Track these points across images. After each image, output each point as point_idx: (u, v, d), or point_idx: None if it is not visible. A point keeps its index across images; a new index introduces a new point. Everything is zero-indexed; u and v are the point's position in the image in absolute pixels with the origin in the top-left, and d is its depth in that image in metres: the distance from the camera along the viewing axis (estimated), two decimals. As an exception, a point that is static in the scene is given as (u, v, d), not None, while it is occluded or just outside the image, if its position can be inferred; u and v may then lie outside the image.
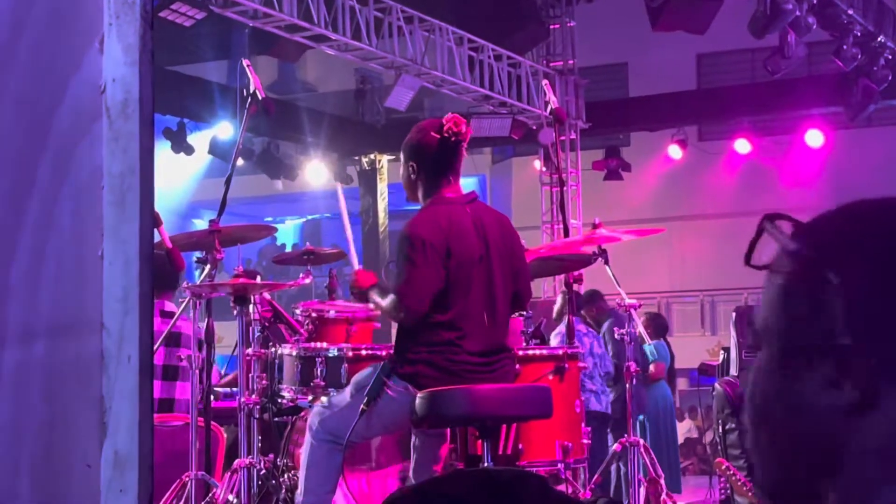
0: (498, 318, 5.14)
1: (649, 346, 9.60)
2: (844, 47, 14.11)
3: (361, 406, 4.93)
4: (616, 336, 7.43)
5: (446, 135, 5.11)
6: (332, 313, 5.90)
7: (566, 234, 6.79)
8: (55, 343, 2.11)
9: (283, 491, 5.72)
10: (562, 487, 5.79)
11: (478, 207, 5.23)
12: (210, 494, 5.72)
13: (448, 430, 5.30)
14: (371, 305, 5.40)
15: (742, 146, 18.37)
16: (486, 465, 4.94)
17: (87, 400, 2.06)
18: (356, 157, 18.68)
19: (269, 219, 23.23)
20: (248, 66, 6.11)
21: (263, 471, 5.74)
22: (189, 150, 16.27)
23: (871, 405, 1.07)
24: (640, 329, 6.54)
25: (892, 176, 18.50)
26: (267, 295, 6.08)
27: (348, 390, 5.12)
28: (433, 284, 4.91)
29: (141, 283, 2.16)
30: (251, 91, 5.96)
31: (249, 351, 5.83)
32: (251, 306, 5.82)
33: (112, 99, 2.09)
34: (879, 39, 14.66)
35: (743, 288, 20.21)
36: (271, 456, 5.92)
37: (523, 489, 4.11)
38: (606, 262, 6.37)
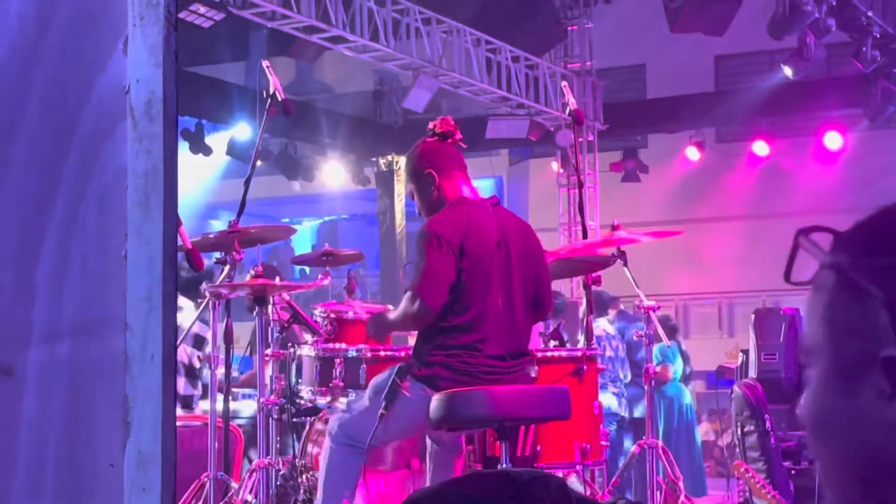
0: (517, 321, 5.13)
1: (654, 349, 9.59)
2: (864, 49, 14.07)
3: (380, 411, 4.93)
4: (635, 338, 7.43)
5: (442, 132, 5.19)
6: (350, 314, 5.91)
7: (584, 235, 6.78)
8: (79, 342, 2.13)
9: (302, 491, 5.73)
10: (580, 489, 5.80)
11: (500, 211, 5.24)
12: (228, 494, 5.73)
13: (463, 442, 5.31)
14: (392, 327, 5.42)
15: (760, 148, 18.31)
16: (504, 466, 4.94)
17: (110, 399, 2.07)
18: (373, 159, 18.68)
19: (286, 220, 23.23)
20: (267, 67, 6.12)
21: (283, 471, 5.75)
22: (207, 150, 16.28)
23: None
24: (660, 330, 6.51)
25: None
26: (286, 296, 6.09)
27: (366, 394, 5.11)
28: (448, 278, 4.91)
29: (164, 282, 2.17)
30: (271, 92, 5.97)
31: (268, 352, 5.85)
32: (270, 307, 5.84)
33: (136, 99, 2.10)
34: (899, 41, 14.63)
35: (762, 290, 20.18)
36: (290, 456, 5.93)
37: (543, 490, 4.11)
38: (625, 264, 6.36)
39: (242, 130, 16.00)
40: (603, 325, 9.30)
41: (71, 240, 2.14)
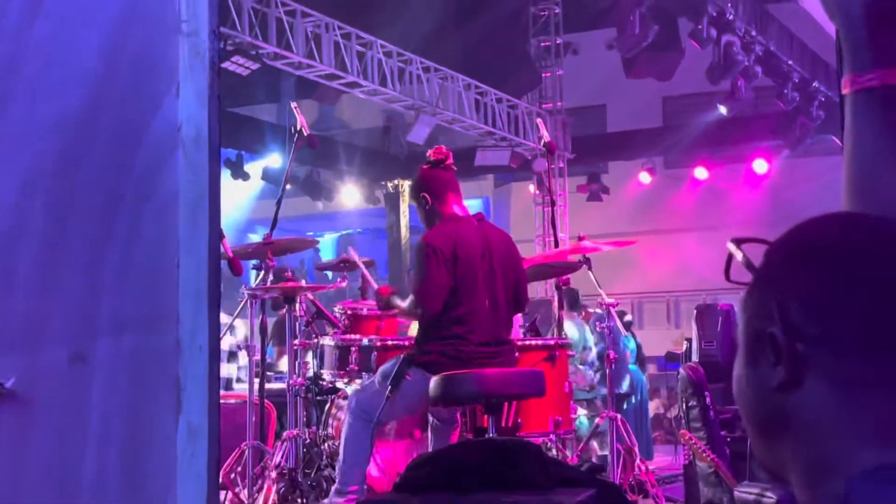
0: (500, 315, 5.14)
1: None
2: (785, 91, 14.11)
3: (387, 392, 4.94)
4: (598, 329, 7.42)
5: (435, 161, 5.19)
6: (364, 311, 5.91)
7: (556, 245, 6.78)
8: (140, 334, 2.12)
9: (324, 457, 5.72)
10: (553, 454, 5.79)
11: (485, 225, 5.24)
12: (263, 459, 5.73)
13: (458, 418, 5.30)
14: (395, 310, 5.41)
15: (700, 173, 18.36)
16: (491, 435, 4.94)
17: (165, 381, 2.07)
18: (383, 182, 18.69)
19: (311, 233, 23.20)
20: (295, 108, 6.13)
21: (308, 440, 5.74)
22: (245, 176, 16.31)
23: (797, 383, 1.09)
24: (618, 323, 6.51)
25: (823, 197, 18.39)
26: (310, 296, 6.08)
27: (376, 379, 5.11)
28: (444, 285, 4.93)
29: (210, 285, 2.16)
30: (298, 128, 5.97)
31: (296, 342, 5.84)
32: (297, 305, 5.83)
33: (186, 134, 2.10)
34: (814, 85, 14.66)
35: (702, 290, 20.15)
36: (314, 428, 5.92)
37: (523, 455, 4.10)
38: (590, 269, 6.36)
39: (274, 160, 16.03)
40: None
41: (132, 250, 2.13)
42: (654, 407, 14.18)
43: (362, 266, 6.29)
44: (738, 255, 1.25)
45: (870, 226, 1.14)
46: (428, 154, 5.28)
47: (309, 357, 5.97)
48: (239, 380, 7.91)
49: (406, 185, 18.76)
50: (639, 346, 10.83)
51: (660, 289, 20.60)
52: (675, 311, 21.27)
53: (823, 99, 14.95)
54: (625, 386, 9.66)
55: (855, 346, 1.07)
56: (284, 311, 6.77)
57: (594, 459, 6.92)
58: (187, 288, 2.11)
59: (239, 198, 18.02)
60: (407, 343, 5.42)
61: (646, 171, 18.42)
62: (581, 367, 8.96)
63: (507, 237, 5.38)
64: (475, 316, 4.99)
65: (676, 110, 19.72)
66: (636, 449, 6.08)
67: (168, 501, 2.10)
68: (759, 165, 17.48)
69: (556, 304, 9.11)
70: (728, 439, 6.19)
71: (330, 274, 10.38)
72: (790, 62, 13.94)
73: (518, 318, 6.30)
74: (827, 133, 15.90)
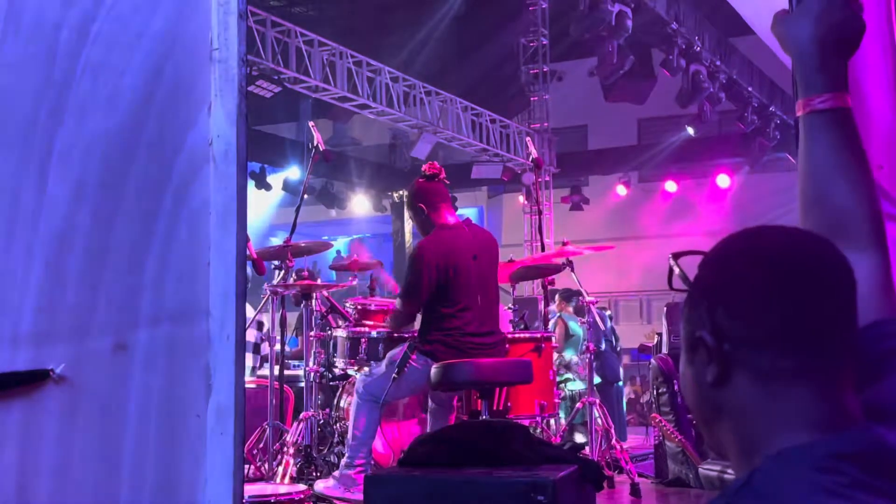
0: (492, 308, 5.17)
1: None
2: (746, 114, 14.11)
3: (393, 375, 4.95)
4: (579, 324, 7.42)
5: (430, 174, 5.22)
6: (373, 306, 5.90)
7: (543, 249, 6.77)
8: (175, 326, 2.12)
9: (336, 435, 5.72)
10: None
11: (474, 229, 5.26)
12: (282, 437, 5.72)
13: (455, 401, 5.30)
14: (395, 327, 5.46)
15: (670, 186, 18.36)
16: (484, 417, 4.95)
17: (197, 367, 2.07)
18: (389, 193, 18.71)
19: (326, 237, 23.21)
20: (312, 126, 6.13)
21: (322, 420, 5.73)
22: (268, 187, 16.32)
23: (726, 379, 1.13)
24: (597, 318, 6.50)
25: (779, 208, 18.44)
26: (325, 292, 6.08)
27: (384, 363, 5.12)
28: (426, 291, 4.97)
29: (237, 283, 2.16)
30: (315, 144, 5.97)
31: (312, 333, 5.83)
32: (313, 301, 5.83)
33: (217, 149, 2.10)
34: (771, 109, 14.67)
35: (670, 290, 20.14)
36: (327, 410, 5.91)
37: (513, 434, 4.09)
38: (573, 270, 6.36)
39: (293, 172, 16.04)
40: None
41: (169, 250, 2.14)
42: (627, 393, 14.16)
43: (382, 272, 6.27)
44: (676, 269, 1.30)
45: (780, 238, 1.16)
46: (423, 168, 5.29)
47: (323, 346, 5.96)
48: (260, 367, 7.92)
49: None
50: (616, 340, 10.83)
51: (633, 289, 20.59)
52: (647, 308, 21.26)
53: (779, 121, 14.97)
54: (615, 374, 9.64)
55: (773, 344, 1.10)
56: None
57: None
58: (216, 285, 2.11)
59: (262, 206, 18.02)
60: (409, 335, 5.42)
61: (622, 184, 18.45)
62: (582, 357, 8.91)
63: (492, 238, 5.41)
64: (470, 311, 5.01)
65: (649, 130, 19.74)
66: (612, 430, 6.08)
67: (199, 472, 2.10)
68: (723, 180, 17.49)
69: (541, 302, 9.13)
70: (694, 422, 6.19)
71: (334, 274, 10.40)
72: (750, 89, 13.96)
73: (508, 314, 6.30)
74: (783, 151, 15.93)
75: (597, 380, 9.07)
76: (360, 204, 18.51)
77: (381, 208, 19.01)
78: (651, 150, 17.90)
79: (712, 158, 17.33)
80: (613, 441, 6.02)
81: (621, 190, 18.53)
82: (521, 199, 17.13)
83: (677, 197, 18.83)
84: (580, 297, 6.53)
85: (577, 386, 8.48)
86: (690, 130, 15.32)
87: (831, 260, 1.14)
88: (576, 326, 8.79)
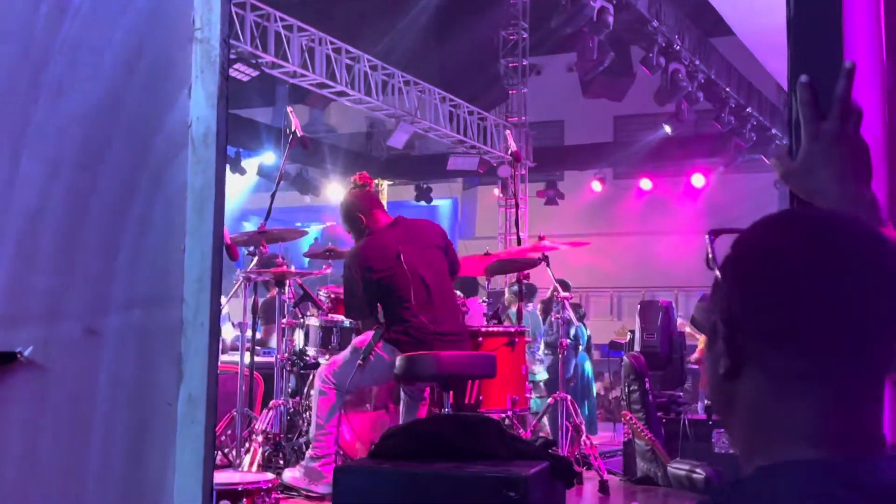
0: (443, 292, 5.18)
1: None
2: (722, 115, 14.16)
3: (358, 362, 4.96)
4: (553, 319, 7.41)
5: (363, 184, 5.44)
6: (346, 296, 5.85)
7: (519, 243, 6.75)
8: (147, 311, 2.08)
9: (305, 424, 5.68)
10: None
11: (404, 225, 5.29)
12: (251, 424, 5.67)
13: (427, 393, 5.29)
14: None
15: (645, 184, 18.42)
16: (447, 410, 4.95)
17: (169, 354, 2.03)
18: (364, 182, 18.61)
19: (299, 223, 23.09)
20: (291, 112, 6.07)
21: (292, 409, 5.69)
22: (242, 171, 16.24)
23: (736, 373, 1.06)
24: (571, 315, 6.50)
25: (753, 210, 18.54)
26: (298, 280, 6.03)
27: (348, 350, 5.14)
28: (361, 297, 5.07)
29: (213, 269, 2.13)
30: (292, 130, 5.91)
31: (284, 321, 5.78)
32: (286, 288, 5.78)
33: (196, 132, 2.06)
34: (748, 110, 14.72)
35: (642, 287, 20.23)
36: (298, 398, 5.87)
37: (485, 429, 4.05)
38: (548, 265, 6.34)
39: (269, 157, 15.97)
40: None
41: (144, 235, 2.09)
42: (597, 388, 14.20)
43: None
44: (709, 249, 1.20)
45: (810, 227, 1.07)
46: (354, 179, 5.42)
47: (295, 335, 5.92)
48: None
49: (385, 183, 18.72)
50: (588, 338, 10.86)
51: (605, 284, 20.66)
52: (618, 304, 21.34)
53: (756, 122, 15.03)
54: (570, 370, 9.66)
55: (788, 341, 1.01)
56: (273, 292, 6.72)
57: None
58: (192, 271, 2.08)
59: (236, 190, 17.91)
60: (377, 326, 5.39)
61: (597, 180, 18.48)
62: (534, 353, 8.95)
63: (430, 226, 5.42)
64: (416, 302, 5.06)
65: (626, 128, 19.78)
66: (583, 426, 6.07)
67: (168, 462, 2.07)
68: (697, 179, 17.56)
69: (506, 296, 9.14)
70: (663, 420, 6.20)
71: (306, 261, 10.36)
72: (728, 89, 14.00)
73: (483, 307, 6.28)
74: (758, 153, 16.00)
75: (545, 375, 9.09)
76: (335, 191, 18.41)
77: (356, 196, 18.93)
78: (627, 148, 17.95)
79: (687, 157, 17.40)
80: (584, 437, 6.01)
81: (596, 186, 18.57)
82: (497, 191, 17.12)
83: (651, 195, 18.89)
84: (556, 293, 6.51)
85: (540, 377, 8.53)
86: (668, 129, 15.35)
87: (872, 258, 1.02)
88: (528, 319, 8.83)
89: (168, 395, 2.00)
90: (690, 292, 20.01)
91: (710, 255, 1.19)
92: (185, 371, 2.02)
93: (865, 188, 1.44)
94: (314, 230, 25.18)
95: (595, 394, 11.23)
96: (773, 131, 15.77)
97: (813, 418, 1.00)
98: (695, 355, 11.31)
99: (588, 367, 10.67)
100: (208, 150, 2.08)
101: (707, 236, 1.22)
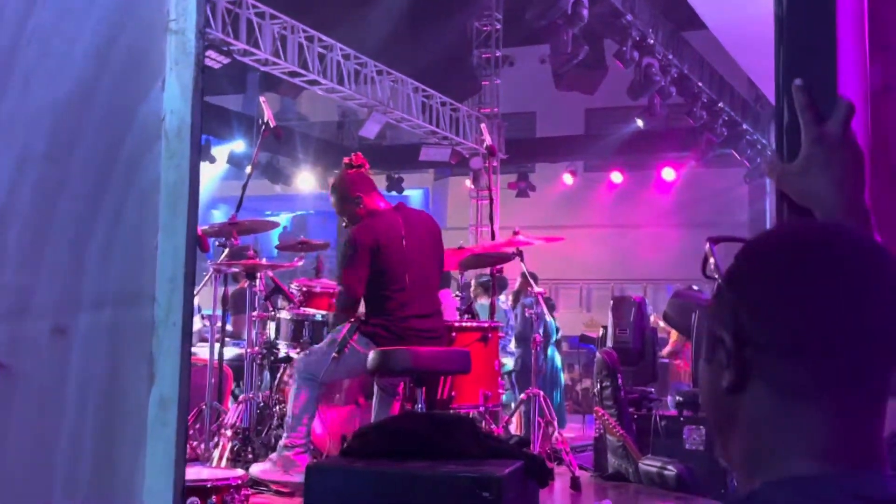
0: (431, 287, 5.14)
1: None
2: (694, 109, 14.19)
3: (333, 354, 4.92)
4: (527, 314, 7.38)
5: (358, 164, 5.28)
6: (318, 288, 5.80)
7: (493, 238, 6.70)
8: (118, 310, 2.02)
9: (275, 418, 5.62)
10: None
11: (405, 212, 5.23)
12: (220, 418, 5.61)
13: (400, 388, 5.25)
14: (340, 317, 5.41)
15: (616, 177, 18.45)
16: (420, 406, 4.92)
17: (140, 355, 1.98)
18: (335, 171, 18.51)
19: (269, 212, 23.01)
20: (264, 102, 6.00)
21: (261, 403, 5.63)
22: (212, 159, 16.12)
23: (743, 386, 1.04)
24: (545, 309, 6.48)
25: (723, 204, 18.64)
26: (270, 272, 5.96)
27: (324, 343, 5.09)
28: (363, 274, 4.99)
29: (186, 266, 2.07)
30: (265, 121, 5.84)
31: (255, 314, 5.72)
32: (257, 280, 5.71)
33: (170, 126, 2.00)
34: (720, 105, 14.76)
35: (611, 279, 20.29)
36: (268, 392, 5.81)
37: (459, 427, 4.01)
38: (522, 260, 6.31)
39: (239, 145, 15.86)
40: (500, 300, 9.26)
41: (115, 231, 2.03)
42: (564, 379, 14.22)
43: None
44: (711, 260, 1.22)
45: (819, 241, 1.05)
46: (350, 160, 5.28)
47: (266, 327, 5.85)
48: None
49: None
50: (557, 330, 10.85)
51: (575, 276, 20.67)
52: (588, 296, 21.39)
53: (727, 118, 15.07)
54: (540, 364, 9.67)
55: (798, 355, 1.00)
56: (244, 283, 6.65)
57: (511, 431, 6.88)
58: (164, 269, 2.02)
59: (206, 178, 17.76)
60: (353, 319, 5.34)
61: (568, 172, 18.50)
62: None
63: (428, 219, 5.37)
64: (404, 291, 5.02)
65: (597, 121, 19.80)
66: (555, 422, 6.05)
67: (138, 464, 2.01)
68: (668, 173, 17.60)
69: (472, 288, 9.11)
70: (635, 416, 6.20)
71: (275, 252, 10.29)
72: (700, 84, 14.02)
73: (456, 301, 6.25)
74: (729, 148, 16.06)
75: (513, 366, 9.09)
76: (306, 180, 18.33)
77: (327, 186, 18.83)
78: (598, 141, 17.96)
79: (659, 151, 17.45)
80: (556, 433, 6.00)
81: (568, 178, 18.59)
82: (468, 182, 17.08)
83: (622, 188, 18.93)
84: (530, 289, 6.48)
85: (508, 367, 8.54)
86: (640, 123, 15.37)
87: (879, 273, 1.02)
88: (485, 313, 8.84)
89: (139, 397, 1.95)
90: (659, 285, 20.10)
91: (712, 264, 1.21)
92: (156, 372, 1.97)
93: (860, 197, 1.43)
94: (284, 218, 25.10)
95: (563, 386, 11.23)
96: (745, 126, 15.83)
97: (819, 433, 1.00)
98: (667, 349, 11.36)
99: (557, 359, 10.66)
100: (182, 144, 2.03)
101: (707, 243, 1.23)
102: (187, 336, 2.07)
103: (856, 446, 1.00)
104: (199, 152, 2.09)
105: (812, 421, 1.00)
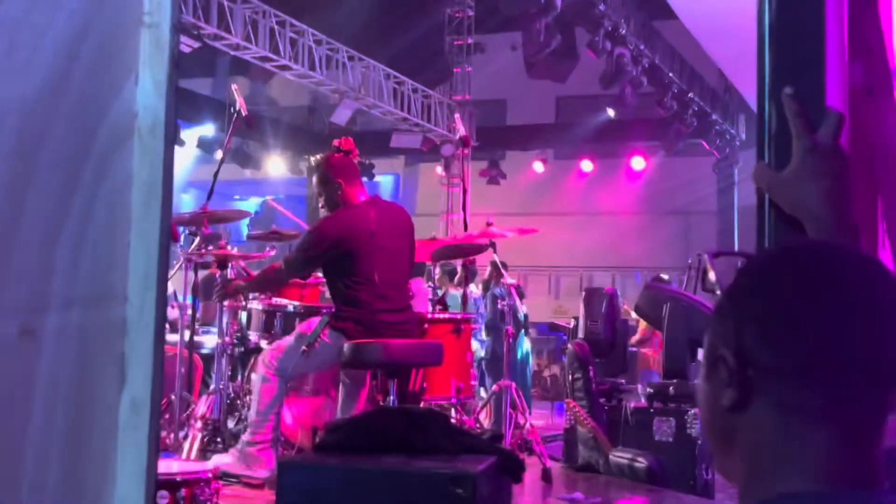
0: (401, 282, 5.09)
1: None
2: (665, 99, 14.21)
3: (303, 348, 4.86)
4: (499, 307, 7.35)
5: (347, 150, 5.16)
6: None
7: (466, 228, 6.65)
8: (88, 311, 1.95)
9: (245, 408, 5.56)
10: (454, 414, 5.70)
11: (379, 206, 5.15)
12: (189, 409, 5.54)
13: (368, 377, 5.20)
14: (260, 285, 5.41)
15: (586, 165, 18.46)
16: (391, 398, 4.88)
17: (111, 357, 1.91)
18: (305, 156, 18.49)
19: (238, 196, 22.88)
20: (236, 90, 5.92)
21: (232, 394, 5.57)
22: (181, 143, 15.97)
23: (744, 406, 1.03)
24: (518, 302, 6.46)
25: (691, 193, 18.72)
26: (241, 262, 5.89)
27: (293, 335, 5.03)
28: (311, 267, 5.02)
29: (159, 266, 2.01)
30: (237, 109, 5.77)
31: (226, 303, 5.65)
32: (228, 270, 5.64)
33: (143, 122, 1.93)
34: (690, 95, 14.79)
35: (579, 266, 20.34)
36: (238, 382, 5.75)
37: (432, 421, 3.96)
38: (495, 251, 6.29)
39: (208, 129, 15.70)
40: (472, 289, 9.22)
41: (85, 230, 1.95)
42: (532, 367, 14.23)
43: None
44: (711, 273, 1.20)
45: (831, 261, 1.05)
46: (337, 144, 5.15)
47: (236, 317, 5.79)
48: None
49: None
50: (526, 316, 10.83)
51: (543, 263, 20.68)
52: (556, 284, 21.43)
53: (697, 108, 15.12)
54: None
55: (803, 377, 1.00)
56: (214, 269, 6.57)
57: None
58: (136, 268, 1.95)
59: (175, 162, 17.59)
60: (326, 311, 5.29)
61: (539, 160, 18.47)
62: None
63: (403, 213, 5.32)
64: (377, 288, 4.97)
65: (568, 109, 19.79)
66: (527, 414, 6.04)
67: (109, 470, 1.95)
68: (637, 162, 17.66)
69: (437, 277, 9.06)
70: (605, 407, 6.20)
71: (244, 234, 10.21)
72: (671, 74, 14.04)
73: (428, 292, 6.21)
74: (698, 138, 16.11)
75: (481, 354, 9.08)
76: (276, 165, 18.20)
77: (298, 171, 18.75)
78: (569, 129, 17.95)
79: (629, 140, 17.49)
80: (527, 424, 5.98)
81: (538, 166, 18.57)
82: (440, 169, 17.04)
83: (592, 176, 18.96)
84: (502, 281, 6.45)
85: (477, 356, 8.53)
86: (611, 112, 15.38)
87: (882, 293, 1.02)
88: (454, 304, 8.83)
89: (109, 401, 1.89)
90: (627, 273, 20.17)
91: (713, 278, 1.20)
92: (127, 375, 1.91)
93: (851, 210, 1.41)
94: (253, 202, 24.93)
95: (531, 373, 11.23)
96: (714, 117, 15.89)
97: (820, 453, 1.00)
98: (635, 337, 11.38)
99: (526, 346, 10.65)
100: (156, 141, 1.96)
101: (706, 256, 1.24)
102: (160, 337, 2.02)
103: (856, 466, 1.00)
104: (173, 149, 2.02)
105: (815, 441, 1.00)
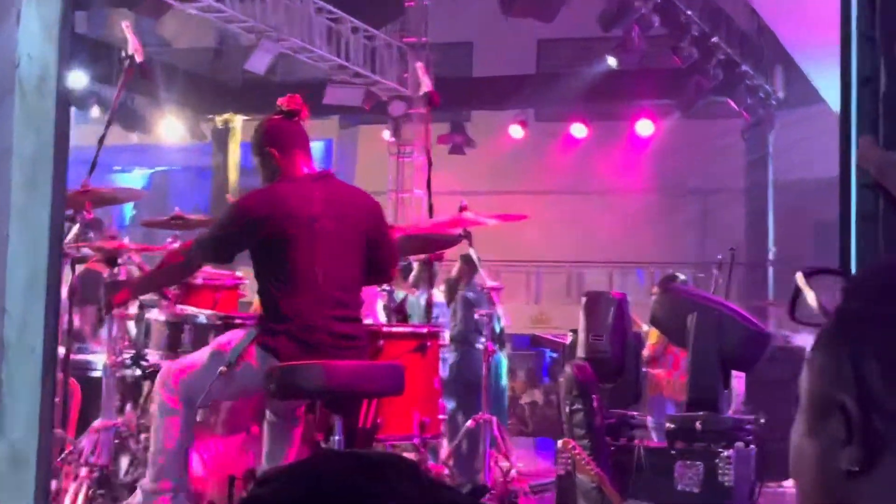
0: (352, 285, 5.05)
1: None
2: (682, 45, 14.27)
3: (221, 369, 4.80)
4: (476, 317, 7.33)
5: (289, 111, 5.12)
6: (199, 280, 5.67)
7: (430, 212, 6.61)
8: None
9: (142, 449, 5.50)
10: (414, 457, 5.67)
11: (330, 185, 5.12)
12: (65, 452, 5.47)
13: (303, 413, 5.16)
14: (156, 281, 5.39)
15: (578, 130, 18.49)
16: (337, 438, 4.85)
17: (-19, 393, 1.85)
18: (210, 116, 18.35)
19: (118, 167, 22.70)
20: (127, 27, 5.84)
21: (124, 429, 5.52)
22: (87, 106, 15.79)
23: (869, 468, 1.02)
24: (499, 310, 6.46)
25: (711, 165, 18.85)
26: (136, 258, 5.82)
27: (206, 352, 4.96)
28: (227, 250, 5.00)
29: (49, 269, 1.97)
30: (129, 54, 5.69)
31: (115, 311, 5.58)
32: (118, 268, 5.58)
33: (27, 75, 1.87)
34: (714, 40, 14.87)
35: (567, 262, 20.41)
36: (131, 415, 5.69)
37: (396, 470, 3.94)
38: (471, 244, 6.27)
39: (79, 78, 15.40)
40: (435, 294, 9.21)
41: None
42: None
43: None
44: (810, 296, 1.19)
45: None
46: (280, 103, 5.15)
47: (127, 329, 5.72)
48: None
49: (239, 119, 18.44)
50: (502, 329, 10.83)
51: (521, 257, 20.71)
52: (537, 283, 21.48)
53: (723, 57, 15.19)
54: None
55: None
56: (92, 265, 6.49)
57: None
58: (18, 268, 1.89)
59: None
60: (251, 323, 5.23)
61: (517, 123, 18.42)
62: None
63: (361, 198, 5.27)
64: (318, 290, 4.89)
65: (554, 57, 19.82)
66: (513, 457, 6.04)
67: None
68: (644, 126, 17.73)
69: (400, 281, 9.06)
70: (612, 448, 6.21)
71: (128, 217, 10.09)
72: (689, 13, 14.10)
73: (381, 296, 6.19)
74: (724, 95, 16.19)
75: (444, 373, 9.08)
76: (172, 128, 18.07)
77: (200, 135, 18.63)
78: (555, 82, 17.96)
79: (634, 98, 17.54)
80: (512, 471, 5.99)
81: (515, 131, 18.55)
82: (387, 134, 16.99)
83: (586, 144, 19.00)
84: (479, 281, 6.43)
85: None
86: (612, 62, 15.40)
87: None
88: (414, 306, 8.82)
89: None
90: (627, 269, 20.29)
91: (814, 303, 1.18)
92: (4, 415, 1.85)
93: None
94: (137, 175, 24.76)
95: (507, 402, 11.23)
96: (744, 68, 15.98)
97: None
98: (645, 352, 11.40)
99: (503, 366, 10.63)
100: (44, 100, 1.92)
101: (800, 276, 1.22)
102: (51, 366, 1.97)
103: None
104: (68, 112, 1.98)
105: None
